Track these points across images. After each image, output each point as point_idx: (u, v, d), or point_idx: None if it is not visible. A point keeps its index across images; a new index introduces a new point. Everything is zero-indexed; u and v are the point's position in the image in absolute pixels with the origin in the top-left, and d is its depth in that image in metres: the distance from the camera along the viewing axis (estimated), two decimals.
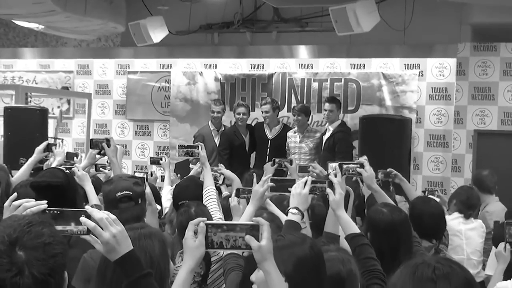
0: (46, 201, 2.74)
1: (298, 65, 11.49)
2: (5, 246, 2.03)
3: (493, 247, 5.15)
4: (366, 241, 3.67)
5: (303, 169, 6.80)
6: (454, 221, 6.44)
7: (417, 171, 10.79)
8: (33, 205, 2.74)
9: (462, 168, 10.28)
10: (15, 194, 3.05)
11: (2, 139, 9.81)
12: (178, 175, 8.39)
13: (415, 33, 10.05)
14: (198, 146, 5.58)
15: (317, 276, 2.73)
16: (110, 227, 2.52)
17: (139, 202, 4.06)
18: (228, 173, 5.54)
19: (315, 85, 11.23)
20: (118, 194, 3.97)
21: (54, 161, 6.51)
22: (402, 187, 5.68)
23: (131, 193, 4.00)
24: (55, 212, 2.52)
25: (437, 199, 6.98)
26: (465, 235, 6.37)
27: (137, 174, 7.20)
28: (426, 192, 7.71)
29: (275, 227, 3.83)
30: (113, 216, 2.58)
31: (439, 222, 5.20)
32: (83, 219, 2.50)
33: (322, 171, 5.64)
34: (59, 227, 2.43)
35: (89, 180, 5.21)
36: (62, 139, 11.57)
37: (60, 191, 3.93)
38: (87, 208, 2.56)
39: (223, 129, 10.24)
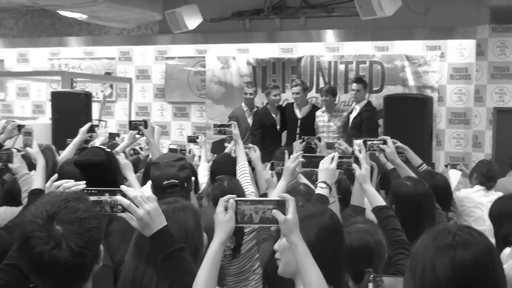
0: (84, 182, 2.73)
1: (325, 48, 11.41)
2: (43, 220, 2.02)
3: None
4: (392, 213, 3.62)
5: (331, 146, 6.73)
6: (475, 193, 6.36)
7: (440, 148, 10.67)
8: (72, 185, 2.73)
9: (483, 144, 10.12)
10: (55, 175, 3.04)
11: (50, 121, 9.86)
12: (214, 154, 8.36)
13: (435, 16, 9.92)
14: (231, 125, 5.54)
15: (336, 244, 2.72)
16: (144, 205, 2.51)
17: (185, 185, 4.04)
18: (255, 158, 5.47)
19: (341, 67, 11.14)
20: (165, 182, 3.96)
21: (97, 141, 6.51)
22: (406, 156, 5.55)
23: (177, 181, 3.98)
24: (93, 191, 2.51)
25: (459, 172, 6.88)
26: (486, 206, 6.24)
27: (171, 147, 7.30)
28: (449, 166, 7.61)
29: (309, 200, 3.78)
30: (147, 194, 2.56)
31: (446, 194, 5.10)
32: (118, 197, 2.50)
33: (348, 147, 5.57)
34: (93, 198, 2.43)
35: (132, 169, 5.15)
36: (106, 121, 11.61)
37: (101, 169, 3.90)
38: (122, 187, 2.56)
39: (255, 109, 10.19)
